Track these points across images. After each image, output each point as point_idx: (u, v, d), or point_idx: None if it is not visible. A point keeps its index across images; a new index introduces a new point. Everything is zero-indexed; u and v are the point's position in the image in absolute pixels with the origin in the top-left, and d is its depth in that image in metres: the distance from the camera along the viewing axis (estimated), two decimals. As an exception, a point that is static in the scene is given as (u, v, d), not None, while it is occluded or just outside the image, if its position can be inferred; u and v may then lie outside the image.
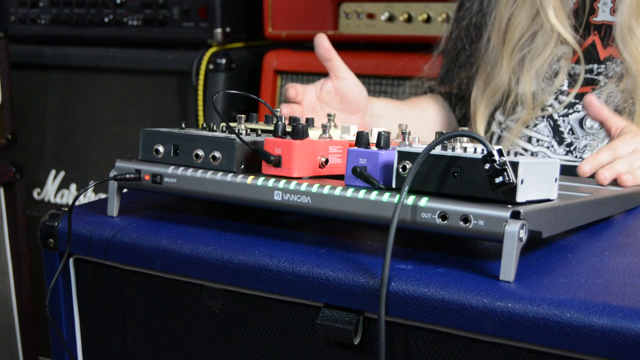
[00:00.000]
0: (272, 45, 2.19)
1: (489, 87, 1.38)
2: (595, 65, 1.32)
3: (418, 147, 0.80)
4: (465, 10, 1.47)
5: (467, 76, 1.47)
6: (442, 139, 0.78)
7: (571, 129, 1.31)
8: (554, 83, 1.33)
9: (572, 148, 1.31)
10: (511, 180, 0.73)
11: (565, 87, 1.34)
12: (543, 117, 1.34)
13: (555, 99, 1.34)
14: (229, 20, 2.17)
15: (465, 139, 0.80)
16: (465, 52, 1.48)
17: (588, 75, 1.32)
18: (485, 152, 0.74)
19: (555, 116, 1.33)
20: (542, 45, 1.32)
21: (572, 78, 1.33)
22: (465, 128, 0.86)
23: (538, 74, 1.34)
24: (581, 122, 1.31)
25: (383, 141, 0.82)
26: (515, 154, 0.79)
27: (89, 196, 2.26)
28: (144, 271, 0.92)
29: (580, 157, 1.30)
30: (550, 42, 1.32)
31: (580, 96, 1.32)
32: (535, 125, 1.35)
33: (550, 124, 1.33)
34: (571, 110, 1.32)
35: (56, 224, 0.96)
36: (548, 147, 1.33)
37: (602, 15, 1.32)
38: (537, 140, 1.34)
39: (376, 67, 1.99)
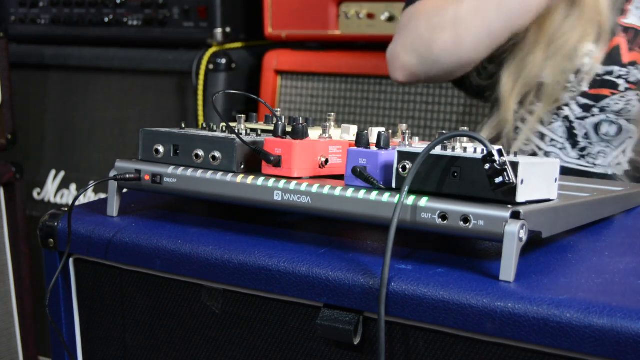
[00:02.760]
0: (272, 45, 2.19)
1: (521, 75, 1.32)
2: (617, 68, 1.29)
3: (418, 147, 0.80)
4: None
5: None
6: (442, 139, 0.78)
7: (586, 133, 1.28)
8: (576, 79, 1.29)
9: (585, 153, 1.28)
10: (511, 181, 0.73)
11: (584, 88, 1.32)
12: (558, 115, 1.31)
13: (573, 99, 1.32)
14: (229, 20, 2.17)
15: (465, 139, 0.80)
16: None
17: (608, 77, 1.29)
18: (485, 152, 0.74)
19: (572, 117, 1.30)
20: (577, 37, 1.28)
21: (593, 79, 1.30)
22: (465, 128, 0.86)
23: (564, 67, 1.30)
24: (597, 127, 1.28)
25: (383, 141, 0.82)
26: (516, 153, 0.79)
27: (89, 196, 2.26)
28: (144, 271, 0.92)
29: (593, 163, 1.27)
30: (587, 35, 1.28)
31: (596, 98, 1.29)
32: (551, 123, 1.31)
33: (565, 125, 1.31)
34: (588, 114, 1.29)
35: (56, 224, 0.96)
36: (561, 149, 1.30)
37: (632, 19, 1.30)
38: (551, 140, 1.31)
39: (376, 67, 1.99)
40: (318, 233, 0.90)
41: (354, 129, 0.95)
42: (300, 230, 0.91)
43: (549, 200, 0.80)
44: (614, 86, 1.29)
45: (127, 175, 0.92)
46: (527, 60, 1.31)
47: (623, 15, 1.30)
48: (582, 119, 1.29)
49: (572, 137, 1.30)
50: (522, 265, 0.75)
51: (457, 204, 0.74)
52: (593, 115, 1.29)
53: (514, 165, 0.74)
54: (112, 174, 0.93)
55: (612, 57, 1.29)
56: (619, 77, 1.28)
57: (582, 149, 1.29)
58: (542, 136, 1.32)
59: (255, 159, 0.88)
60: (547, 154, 1.31)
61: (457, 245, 0.84)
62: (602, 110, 1.28)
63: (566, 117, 1.31)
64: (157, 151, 0.92)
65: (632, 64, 1.29)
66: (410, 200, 0.76)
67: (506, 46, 1.37)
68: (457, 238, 0.81)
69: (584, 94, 1.30)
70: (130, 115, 2.27)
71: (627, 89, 1.28)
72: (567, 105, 1.31)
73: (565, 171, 1.28)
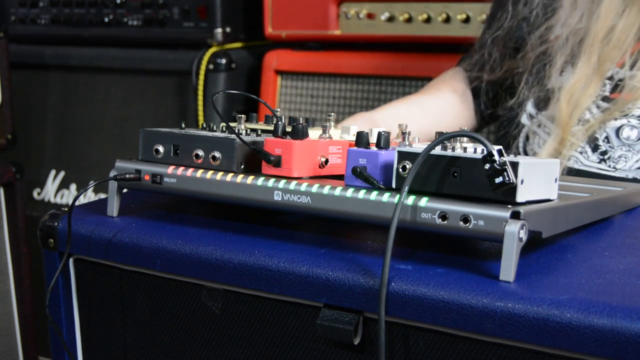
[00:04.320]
0: (272, 45, 2.19)
1: (578, 102, 1.29)
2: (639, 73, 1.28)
3: (418, 147, 0.80)
4: (524, 3, 1.43)
5: (514, 67, 1.44)
6: (442, 139, 0.78)
7: (607, 137, 1.27)
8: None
9: (606, 157, 1.27)
10: (511, 181, 0.73)
11: (607, 93, 1.30)
12: (579, 119, 1.30)
13: (594, 102, 1.30)
14: (229, 20, 2.17)
15: (465, 139, 0.80)
16: (512, 42, 1.44)
17: (630, 82, 1.28)
18: (485, 152, 0.74)
19: (592, 121, 1.29)
20: (620, 50, 1.29)
21: (615, 83, 1.29)
22: (465, 128, 0.85)
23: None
24: (618, 131, 1.27)
25: (383, 141, 0.82)
26: (516, 153, 0.79)
27: (89, 196, 2.26)
28: (144, 271, 0.92)
29: (614, 167, 1.26)
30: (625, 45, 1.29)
31: (618, 102, 1.28)
32: (571, 126, 1.30)
33: (586, 129, 1.29)
34: (609, 117, 1.29)
35: (56, 224, 0.96)
36: (581, 153, 1.29)
37: None
38: (571, 143, 1.30)
39: (376, 67, 1.99)
40: (318, 233, 0.90)
41: (354, 129, 0.95)
42: (300, 230, 0.91)
43: (549, 200, 0.80)
44: (635, 91, 1.27)
45: (127, 175, 0.92)
46: (580, 84, 1.30)
47: None
48: (602, 122, 1.28)
49: (592, 140, 1.28)
50: (522, 265, 0.75)
51: (457, 204, 0.74)
52: (614, 119, 1.27)
53: (514, 165, 0.74)
54: (112, 174, 0.93)
55: (635, 62, 1.28)
56: None
57: (603, 153, 1.27)
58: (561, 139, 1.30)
59: (255, 159, 0.88)
60: (568, 158, 1.29)
61: (457, 245, 0.84)
62: (622, 113, 1.27)
63: (587, 121, 1.29)
64: (157, 151, 0.92)
65: None
66: (410, 200, 0.76)
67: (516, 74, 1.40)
68: (457, 238, 0.81)
69: (605, 98, 1.29)
70: (130, 115, 2.27)
71: None
72: (588, 109, 1.30)
73: (585, 175, 1.27)
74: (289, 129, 0.88)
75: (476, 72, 1.50)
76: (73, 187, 2.36)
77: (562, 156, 1.30)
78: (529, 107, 1.38)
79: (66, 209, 0.95)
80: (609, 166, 1.27)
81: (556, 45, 1.35)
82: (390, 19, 1.98)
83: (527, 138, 1.37)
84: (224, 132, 0.93)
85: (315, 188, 0.82)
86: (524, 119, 1.38)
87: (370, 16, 2.01)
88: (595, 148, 1.28)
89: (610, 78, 1.31)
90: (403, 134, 0.84)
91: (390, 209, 0.77)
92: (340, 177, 0.86)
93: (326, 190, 0.81)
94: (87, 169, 2.34)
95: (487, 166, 0.74)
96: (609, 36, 1.30)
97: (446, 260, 0.79)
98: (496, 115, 1.49)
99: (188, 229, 0.91)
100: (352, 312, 0.78)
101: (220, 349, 0.88)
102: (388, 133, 0.83)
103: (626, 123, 1.27)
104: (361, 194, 0.80)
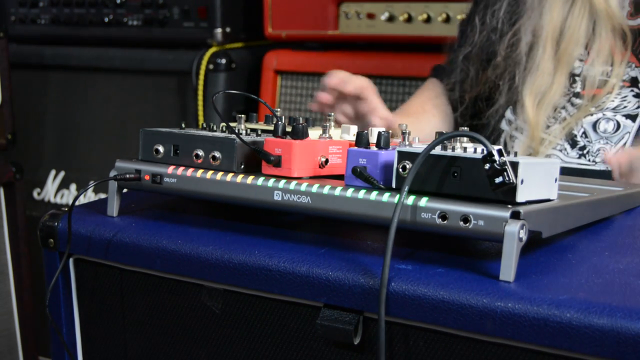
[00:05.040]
0: (272, 45, 2.19)
1: (545, 97, 1.34)
2: (609, 68, 1.31)
3: (418, 147, 0.80)
4: (492, 15, 1.45)
5: (489, 77, 1.46)
6: (442, 139, 0.78)
7: (584, 132, 1.30)
8: (569, 81, 1.33)
9: (585, 151, 1.30)
10: (511, 181, 0.73)
11: (578, 89, 1.33)
12: (555, 118, 1.33)
13: (569, 101, 1.33)
14: (229, 20, 2.17)
15: (465, 138, 0.80)
16: (485, 55, 1.47)
17: (602, 77, 1.31)
18: (485, 152, 0.74)
19: (569, 118, 1.32)
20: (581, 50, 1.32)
21: (587, 80, 1.32)
22: (465, 128, 0.86)
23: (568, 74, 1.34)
24: (595, 126, 1.30)
25: (383, 141, 0.82)
26: (516, 154, 0.79)
27: (89, 196, 2.26)
28: (144, 271, 0.92)
29: (593, 161, 1.29)
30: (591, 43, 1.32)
31: (591, 97, 1.31)
32: (548, 127, 1.33)
33: (563, 127, 1.32)
34: (585, 114, 1.31)
35: (56, 224, 0.96)
36: (561, 150, 1.32)
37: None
38: (549, 142, 1.33)
39: (376, 67, 1.99)
40: (318, 233, 0.90)
41: (354, 129, 0.95)
42: (300, 230, 0.91)
43: (549, 200, 0.80)
44: (607, 85, 1.30)
45: (127, 175, 0.92)
46: (544, 80, 1.33)
47: None
48: (579, 119, 1.31)
49: (570, 137, 1.31)
50: (522, 265, 0.75)
51: (457, 204, 0.74)
52: (590, 114, 1.30)
53: (514, 165, 0.74)
54: (112, 174, 0.93)
55: (602, 58, 1.31)
56: (613, 76, 1.30)
57: (582, 148, 1.30)
58: (540, 140, 1.33)
59: (255, 159, 0.88)
60: (547, 157, 1.32)
61: (457, 245, 0.84)
62: (598, 108, 1.30)
63: (563, 119, 1.32)
64: (157, 151, 0.92)
65: (623, 61, 1.30)
66: (410, 200, 0.76)
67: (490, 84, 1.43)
68: (457, 238, 0.81)
69: (577, 95, 1.32)
70: (130, 115, 2.27)
71: (621, 87, 1.29)
72: (563, 107, 1.33)
73: (565, 171, 1.29)
74: (289, 129, 0.88)
75: (457, 90, 1.52)
76: (73, 187, 2.36)
77: (540, 155, 1.34)
78: (508, 114, 1.41)
79: (66, 209, 0.95)
80: (589, 160, 1.30)
81: (521, 48, 1.39)
82: (390, 19, 1.98)
83: (505, 144, 1.40)
84: (224, 132, 0.93)
85: (315, 188, 0.82)
86: (503, 125, 1.41)
87: (370, 16, 2.01)
88: (574, 144, 1.31)
89: (580, 75, 1.34)
90: (403, 134, 0.84)
91: (390, 209, 0.77)
92: (340, 177, 0.86)
93: (326, 190, 0.81)
94: (87, 169, 2.34)
95: (487, 166, 0.74)
96: (561, 32, 1.34)
97: (446, 260, 0.79)
98: (473, 125, 1.51)
99: (188, 229, 0.91)
100: (352, 312, 0.78)
101: (220, 348, 0.88)
102: (388, 133, 0.83)
103: (602, 117, 1.30)
104: (361, 194, 0.80)
